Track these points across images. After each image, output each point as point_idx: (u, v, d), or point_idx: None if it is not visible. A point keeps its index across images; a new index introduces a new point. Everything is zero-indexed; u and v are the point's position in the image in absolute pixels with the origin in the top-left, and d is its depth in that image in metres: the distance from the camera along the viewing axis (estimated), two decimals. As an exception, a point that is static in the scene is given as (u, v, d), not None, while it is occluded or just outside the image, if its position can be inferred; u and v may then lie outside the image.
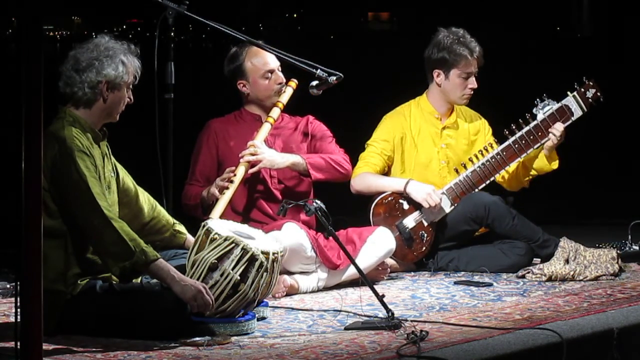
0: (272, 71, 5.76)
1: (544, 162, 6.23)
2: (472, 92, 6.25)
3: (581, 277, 5.80)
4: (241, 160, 5.63)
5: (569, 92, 6.26)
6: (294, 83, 5.82)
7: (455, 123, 6.35)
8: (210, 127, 5.85)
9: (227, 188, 5.50)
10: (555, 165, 6.27)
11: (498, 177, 6.27)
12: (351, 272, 5.60)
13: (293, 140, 5.89)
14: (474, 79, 6.23)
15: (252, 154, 5.64)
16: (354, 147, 6.33)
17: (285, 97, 5.80)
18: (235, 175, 5.55)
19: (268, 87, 5.78)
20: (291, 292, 5.48)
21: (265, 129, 5.73)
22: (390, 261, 6.01)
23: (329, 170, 5.84)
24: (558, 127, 6.15)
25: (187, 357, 4.15)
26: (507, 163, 6.20)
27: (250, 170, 5.65)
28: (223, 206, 5.44)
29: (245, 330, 4.54)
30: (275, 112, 5.78)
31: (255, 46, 5.63)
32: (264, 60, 5.76)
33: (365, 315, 4.90)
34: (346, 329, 4.64)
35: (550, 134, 6.15)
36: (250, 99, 5.82)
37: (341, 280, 5.66)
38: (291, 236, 5.42)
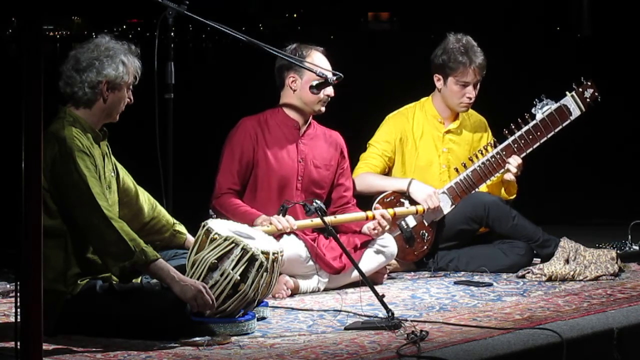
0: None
1: (502, 193, 6.29)
2: (470, 101, 6.24)
3: (581, 277, 5.81)
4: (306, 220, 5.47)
5: (567, 92, 6.27)
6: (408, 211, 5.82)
7: (459, 128, 6.35)
8: (247, 126, 5.65)
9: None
10: (513, 196, 6.31)
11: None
12: (352, 276, 5.59)
13: (322, 156, 5.76)
14: (472, 88, 6.20)
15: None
16: (355, 147, 6.33)
17: (400, 211, 5.81)
18: (291, 224, 5.40)
19: (316, 94, 5.68)
20: (292, 292, 5.48)
21: (351, 216, 5.63)
22: (390, 261, 6.01)
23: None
24: (514, 160, 6.15)
25: (187, 357, 4.15)
26: (507, 162, 6.20)
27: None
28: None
29: (245, 330, 4.54)
30: (378, 213, 5.67)
31: (254, 46, 5.61)
32: (323, 66, 5.63)
33: (365, 315, 4.90)
34: (346, 329, 4.64)
35: (508, 167, 6.14)
36: (294, 96, 5.67)
37: (342, 284, 5.65)
38: (289, 248, 5.36)
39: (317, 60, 5.64)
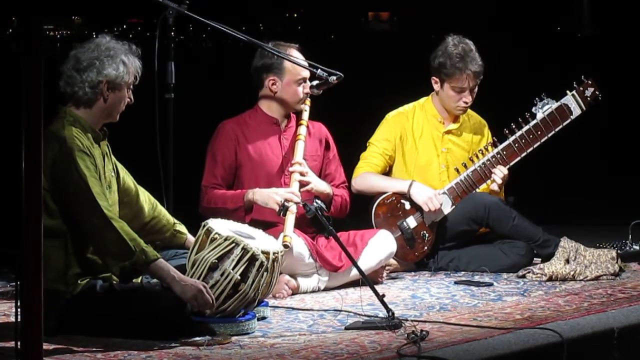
0: (305, 80, 5.68)
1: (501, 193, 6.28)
2: (467, 105, 6.23)
3: (581, 277, 5.80)
4: (292, 177, 5.57)
5: (567, 91, 6.26)
6: (309, 101, 5.78)
7: (459, 129, 6.34)
8: (226, 129, 5.72)
9: (288, 206, 5.37)
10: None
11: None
12: (352, 275, 5.60)
13: (308, 149, 5.76)
14: (468, 93, 6.19)
15: (301, 174, 5.59)
16: (354, 147, 6.33)
17: (306, 115, 5.74)
18: (295, 193, 5.48)
19: (297, 93, 5.67)
20: (292, 292, 5.47)
21: (301, 147, 5.66)
22: (391, 261, 6.02)
23: (340, 212, 5.81)
24: (500, 171, 6.13)
25: (188, 357, 4.15)
26: (507, 162, 6.20)
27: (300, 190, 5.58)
28: (292, 223, 5.39)
29: (245, 330, 4.54)
30: (303, 130, 5.71)
31: (255, 46, 5.61)
32: (302, 67, 5.67)
33: (365, 315, 4.90)
34: (346, 328, 4.64)
35: (493, 177, 6.14)
36: (275, 98, 5.72)
37: (342, 283, 5.65)
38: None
39: (294, 57, 5.66)
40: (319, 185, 5.70)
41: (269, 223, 5.50)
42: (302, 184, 5.61)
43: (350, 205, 5.91)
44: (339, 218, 5.78)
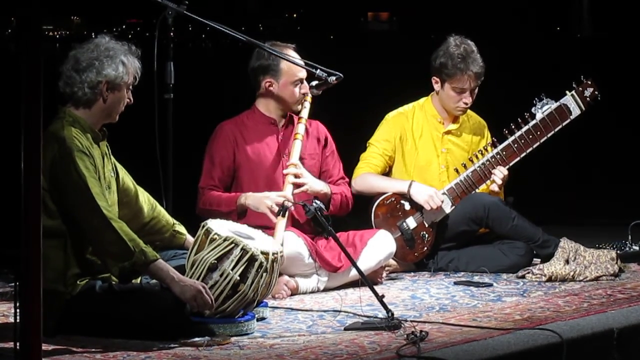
0: (302, 80, 5.69)
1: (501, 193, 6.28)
2: (467, 106, 6.23)
3: (581, 278, 5.81)
4: (286, 179, 5.58)
5: (567, 92, 6.27)
6: (309, 97, 5.78)
7: (458, 130, 6.34)
8: (225, 130, 5.73)
9: (287, 206, 5.38)
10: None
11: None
12: (351, 275, 5.60)
13: (306, 148, 5.78)
14: (468, 94, 6.20)
15: (296, 176, 5.60)
16: (354, 147, 6.32)
17: (306, 112, 5.73)
18: (287, 197, 5.46)
19: (294, 94, 5.68)
20: (292, 292, 5.47)
21: (298, 146, 5.66)
22: (390, 261, 6.01)
23: (341, 209, 5.81)
24: (499, 171, 6.13)
25: (187, 358, 4.15)
26: (507, 162, 6.20)
27: (295, 191, 5.59)
28: (283, 229, 5.41)
29: (244, 330, 4.54)
30: (302, 128, 5.70)
31: (254, 45, 5.60)
32: (299, 68, 5.66)
33: (364, 316, 4.90)
34: (346, 329, 4.64)
35: (493, 178, 6.13)
36: (272, 99, 5.73)
37: (341, 283, 5.65)
38: (289, 245, 5.39)
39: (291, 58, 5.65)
40: (315, 185, 5.69)
41: (266, 228, 5.49)
42: (298, 186, 5.60)
43: (352, 201, 5.90)
44: (341, 215, 5.78)
